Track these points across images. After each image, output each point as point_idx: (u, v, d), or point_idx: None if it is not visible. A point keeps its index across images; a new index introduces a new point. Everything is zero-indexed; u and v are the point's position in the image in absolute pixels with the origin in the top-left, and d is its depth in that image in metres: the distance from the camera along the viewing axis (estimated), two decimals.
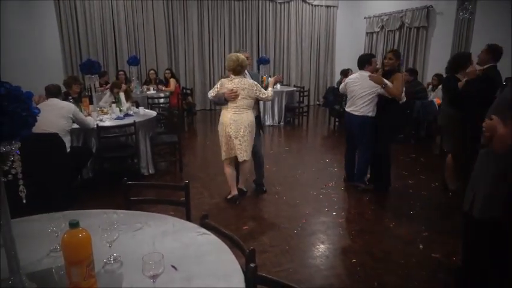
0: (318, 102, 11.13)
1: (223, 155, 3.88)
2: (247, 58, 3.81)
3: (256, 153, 4.13)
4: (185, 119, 8.17)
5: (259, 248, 3.10)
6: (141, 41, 9.20)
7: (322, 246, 3.17)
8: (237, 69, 3.65)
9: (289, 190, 4.41)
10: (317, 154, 6.15)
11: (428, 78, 7.90)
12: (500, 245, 1.83)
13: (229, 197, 4.01)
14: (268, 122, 8.23)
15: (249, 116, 3.73)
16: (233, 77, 3.68)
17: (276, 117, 8.29)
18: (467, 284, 2.19)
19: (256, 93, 3.72)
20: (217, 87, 3.77)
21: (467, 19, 7.68)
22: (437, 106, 6.13)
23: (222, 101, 3.69)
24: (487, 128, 1.81)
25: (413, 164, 5.43)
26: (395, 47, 9.34)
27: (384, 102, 4.08)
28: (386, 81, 3.95)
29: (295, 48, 10.90)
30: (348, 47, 11.03)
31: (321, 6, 10.98)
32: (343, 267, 2.85)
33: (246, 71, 3.85)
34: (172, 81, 7.83)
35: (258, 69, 9.53)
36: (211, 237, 1.64)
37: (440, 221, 3.62)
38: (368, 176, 4.49)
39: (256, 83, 3.77)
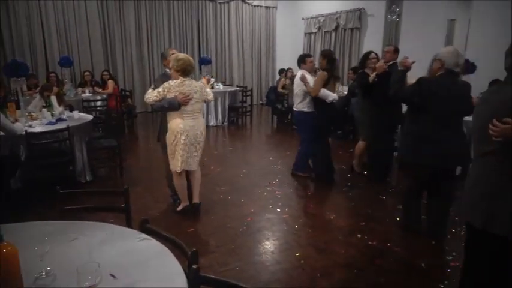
0: (261, 102, 11.29)
1: (180, 166, 3.45)
2: None
3: None
4: (125, 121, 7.87)
5: (205, 249, 3.09)
6: (73, 41, 8.68)
7: (267, 242, 3.23)
8: (187, 70, 3.32)
9: (234, 190, 4.43)
10: (261, 152, 6.24)
11: None
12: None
13: (179, 208, 3.71)
14: (212, 122, 8.20)
15: (203, 121, 3.58)
16: (183, 79, 3.32)
17: (220, 118, 8.28)
18: None
19: (204, 95, 3.50)
20: (163, 91, 3.30)
21: (395, 21, 8.24)
22: None
23: (176, 106, 3.27)
24: (499, 133, 1.61)
25: (352, 159, 5.70)
26: (331, 47, 9.76)
27: (319, 99, 4.35)
28: (308, 80, 4.32)
29: (237, 48, 10.96)
30: (288, 47, 11.31)
31: (261, 6, 11.14)
32: (288, 262, 2.93)
33: None
34: (110, 82, 7.50)
35: (200, 69, 9.46)
36: (153, 242, 1.60)
37: (375, 212, 3.85)
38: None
39: (202, 84, 3.59)
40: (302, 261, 2.92)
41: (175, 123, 3.37)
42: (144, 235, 1.66)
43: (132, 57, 9.45)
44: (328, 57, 4.41)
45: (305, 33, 10.79)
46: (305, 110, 4.50)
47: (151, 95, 3.35)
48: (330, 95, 4.33)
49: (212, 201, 4.09)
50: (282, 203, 4.08)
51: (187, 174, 3.66)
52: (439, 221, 3.21)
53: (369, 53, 4.62)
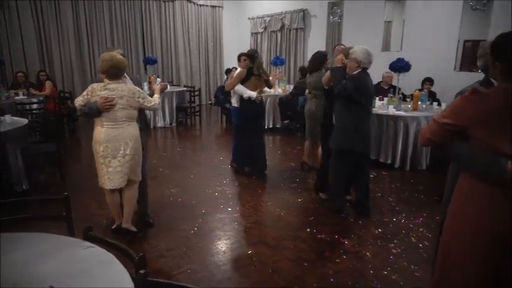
0: (209, 102, 11.22)
1: (105, 183, 3.04)
2: (123, 56, 3.11)
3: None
4: (65, 125, 7.44)
5: (155, 253, 3.02)
6: (3, 41, 8.03)
7: (219, 242, 3.23)
8: (112, 72, 2.90)
9: (185, 191, 4.37)
10: (211, 152, 6.20)
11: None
12: None
13: (113, 227, 3.31)
14: (160, 123, 8.00)
15: (131, 130, 3.02)
16: (107, 81, 2.93)
17: (168, 119, 8.11)
18: None
19: (139, 101, 3.02)
20: (86, 95, 2.95)
21: (337, 21, 8.58)
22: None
23: (95, 112, 2.89)
24: None
25: (300, 155, 5.85)
26: (277, 47, 9.96)
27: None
28: (234, 76, 4.68)
29: (183, 47, 10.78)
30: (235, 47, 11.31)
31: (206, 6, 11.05)
32: (240, 260, 2.95)
33: (125, 75, 3.16)
34: (48, 83, 7.04)
35: (145, 69, 9.20)
36: (97, 250, 1.54)
37: (323, 206, 3.99)
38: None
39: (138, 89, 3.09)
40: (254, 259, 2.95)
41: (97, 131, 3.01)
42: (87, 243, 1.59)
43: (71, 58, 8.94)
44: (249, 55, 4.66)
45: (252, 33, 10.90)
46: (236, 105, 4.85)
47: (78, 99, 3.02)
48: (245, 92, 4.56)
49: (162, 203, 4.00)
50: (233, 202, 4.09)
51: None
52: (364, 196, 3.78)
53: (325, 55, 4.64)
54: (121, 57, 2.96)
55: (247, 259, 2.95)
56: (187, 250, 3.08)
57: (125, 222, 3.23)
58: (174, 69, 10.75)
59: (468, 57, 7.09)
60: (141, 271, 1.31)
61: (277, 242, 3.22)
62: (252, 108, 4.63)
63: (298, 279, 2.69)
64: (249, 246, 3.15)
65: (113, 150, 2.96)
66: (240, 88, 4.59)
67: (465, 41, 7.17)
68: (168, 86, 3.56)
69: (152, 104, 3.11)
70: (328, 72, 3.63)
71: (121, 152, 2.98)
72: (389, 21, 8.00)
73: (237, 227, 3.53)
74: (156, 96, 3.24)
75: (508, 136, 1.54)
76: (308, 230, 3.43)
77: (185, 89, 8.81)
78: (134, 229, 3.27)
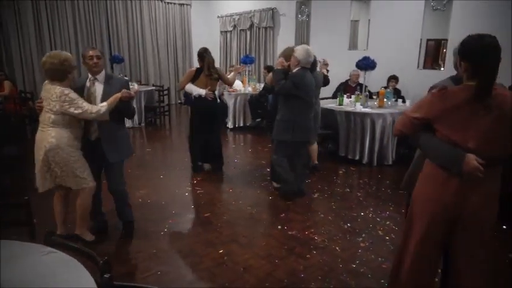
0: (179, 101, 11.07)
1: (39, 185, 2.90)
2: (91, 58, 2.87)
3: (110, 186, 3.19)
4: (27, 126, 7.13)
5: (124, 256, 2.96)
6: None
7: (190, 243, 3.20)
8: (49, 74, 2.75)
9: (154, 192, 4.30)
10: (181, 153, 6.12)
11: None
12: None
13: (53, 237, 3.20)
14: (128, 123, 7.82)
15: (50, 136, 2.76)
16: (46, 82, 2.81)
17: (136, 119, 7.93)
18: None
19: (63, 106, 2.73)
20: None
21: (305, 20, 8.68)
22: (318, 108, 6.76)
23: (36, 112, 2.93)
24: None
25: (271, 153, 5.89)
26: (247, 46, 9.96)
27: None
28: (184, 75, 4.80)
29: (151, 46, 10.57)
30: (204, 45, 11.20)
31: (174, 4, 10.89)
32: (212, 260, 2.93)
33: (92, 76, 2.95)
34: (6, 83, 6.71)
35: (112, 68, 8.97)
36: (59, 255, 1.49)
37: (294, 203, 4.04)
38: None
39: (69, 94, 2.75)
40: (225, 258, 2.95)
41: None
42: (49, 248, 1.53)
43: (32, 57, 8.54)
44: (199, 54, 4.76)
45: (221, 31, 10.85)
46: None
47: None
48: (195, 90, 4.63)
49: (131, 205, 3.91)
50: (204, 201, 4.07)
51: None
52: (300, 180, 4.21)
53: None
54: (66, 57, 2.77)
55: (219, 258, 2.94)
56: (158, 252, 3.03)
57: (77, 229, 3.10)
58: (142, 68, 10.53)
59: (431, 55, 7.38)
60: (106, 275, 1.28)
61: (248, 240, 3.23)
62: (204, 106, 4.65)
63: (269, 276, 2.71)
64: (221, 245, 3.14)
65: (35, 153, 2.87)
66: (189, 87, 4.66)
67: (428, 40, 7.44)
68: (134, 93, 3.20)
69: (80, 112, 2.76)
70: (271, 74, 4.09)
71: (40, 156, 2.81)
72: (356, 21, 8.18)
73: (208, 226, 3.51)
74: (102, 104, 2.86)
75: (466, 131, 1.65)
76: (279, 227, 3.46)
77: (154, 88, 8.65)
78: (88, 238, 3.10)
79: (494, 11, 5.71)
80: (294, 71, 3.78)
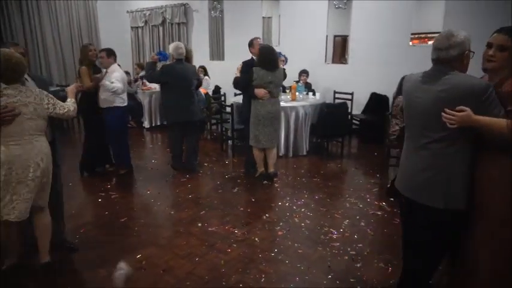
0: None
1: (5, 214, 2.36)
2: (23, 54, 2.55)
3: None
4: None
5: (32, 274, 2.69)
6: None
7: (104, 251, 3.02)
8: (9, 75, 2.32)
9: (64, 201, 3.97)
10: None
11: None
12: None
13: (3, 268, 2.67)
14: None
15: (41, 146, 2.44)
16: (4, 86, 2.32)
17: None
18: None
19: (48, 108, 2.47)
20: None
21: (219, 17, 8.69)
22: (203, 95, 6.73)
23: None
24: (457, 121, 1.71)
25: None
26: (160, 42, 9.68)
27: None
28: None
29: (52, 42, 9.64)
30: (113, 42, 10.56)
31: None
32: (129, 265, 2.81)
33: (26, 77, 2.60)
34: None
35: None
36: None
37: (214, 199, 4.05)
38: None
39: (46, 93, 2.52)
40: (143, 262, 2.85)
41: None
42: None
43: None
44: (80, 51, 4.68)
45: (132, 27, 10.37)
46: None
47: None
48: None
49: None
50: (119, 206, 3.87)
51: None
52: (193, 156, 4.92)
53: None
54: (20, 55, 2.41)
55: (136, 263, 2.83)
56: (68, 265, 2.81)
57: (45, 253, 2.67)
58: (44, 67, 9.59)
59: (338, 50, 7.91)
60: None
61: (168, 242, 3.16)
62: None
63: (190, 274, 2.69)
64: (138, 250, 3.02)
65: (19, 174, 2.34)
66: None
67: (335, 36, 7.96)
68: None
69: (66, 110, 2.57)
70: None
71: (30, 174, 2.37)
72: (269, 17, 8.41)
73: (124, 232, 3.35)
74: (70, 100, 2.69)
75: None
76: (199, 224, 3.45)
77: (58, 88, 7.93)
78: (48, 259, 2.70)
79: (389, 11, 6.31)
80: (167, 63, 4.72)
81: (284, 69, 4.67)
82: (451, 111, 1.73)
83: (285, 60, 6.37)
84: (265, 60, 4.13)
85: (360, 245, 3.08)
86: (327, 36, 7.22)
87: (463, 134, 1.75)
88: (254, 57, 4.40)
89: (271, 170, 4.47)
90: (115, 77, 4.32)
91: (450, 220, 1.88)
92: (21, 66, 2.36)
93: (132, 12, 10.19)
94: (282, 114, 5.34)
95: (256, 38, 4.68)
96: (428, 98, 1.82)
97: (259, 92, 4.15)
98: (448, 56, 1.81)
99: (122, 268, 2.81)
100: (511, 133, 1.66)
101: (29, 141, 2.38)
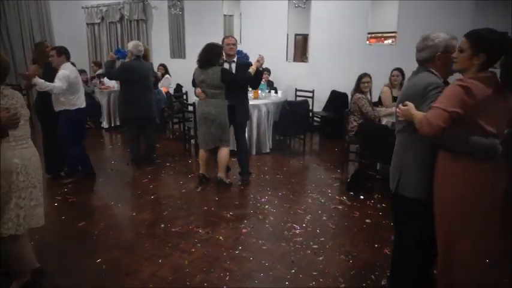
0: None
1: (22, 226, 2.30)
2: None
3: None
4: None
5: None
6: None
7: (63, 256, 2.90)
8: (4, 75, 2.23)
9: None
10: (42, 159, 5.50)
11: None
12: (423, 218, 2.04)
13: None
14: None
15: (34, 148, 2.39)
16: (3, 87, 2.21)
17: None
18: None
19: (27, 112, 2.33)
20: None
21: (179, 14, 8.56)
22: (164, 94, 6.61)
23: None
24: (401, 114, 1.95)
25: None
26: (118, 39, 9.40)
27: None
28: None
29: (1, 41, 9.11)
30: (68, 39, 10.12)
31: None
32: (89, 270, 2.71)
33: None
34: None
35: None
36: None
37: (178, 199, 3.99)
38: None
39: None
40: (104, 266, 2.76)
41: (4, 158, 2.17)
42: None
43: None
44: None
45: (87, 24, 9.98)
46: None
47: None
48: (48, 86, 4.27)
49: None
50: (77, 210, 3.73)
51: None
52: (150, 150, 5.17)
53: (221, 47, 4.16)
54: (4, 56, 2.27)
55: (97, 267, 2.74)
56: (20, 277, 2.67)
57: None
58: None
59: (299, 49, 8.03)
60: None
61: (130, 244, 3.09)
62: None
63: (154, 276, 2.64)
64: (99, 254, 2.92)
65: (34, 178, 2.31)
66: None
67: (296, 35, 8.07)
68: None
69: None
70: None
71: (40, 177, 2.37)
72: (230, 15, 8.39)
73: (83, 237, 3.23)
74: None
75: (495, 119, 1.80)
76: (162, 225, 3.39)
77: (9, 87, 7.49)
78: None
79: (347, 11, 6.49)
80: (127, 60, 4.84)
81: (224, 69, 4.05)
82: (400, 106, 1.98)
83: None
84: (199, 58, 3.99)
85: (322, 238, 3.17)
86: (287, 34, 7.32)
87: (415, 127, 1.91)
88: (224, 57, 4.21)
89: (218, 174, 4.25)
90: (58, 76, 3.92)
91: (405, 205, 2.08)
92: (6, 64, 2.26)
93: (87, 8, 9.81)
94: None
95: (228, 36, 4.41)
96: (401, 93, 2.12)
97: (196, 90, 4.15)
98: (421, 58, 2.02)
99: None
100: (419, 127, 1.84)
101: (31, 143, 2.35)
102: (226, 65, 4.18)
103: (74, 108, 4.11)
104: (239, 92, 4.22)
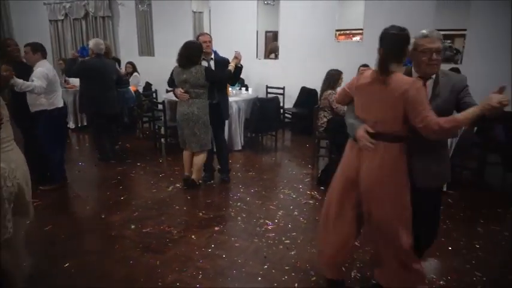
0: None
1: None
2: None
3: None
4: None
5: None
6: None
7: (26, 263, 2.80)
8: None
9: None
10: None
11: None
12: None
13: None
14: None
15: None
16: None
17: None
18: None
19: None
20: None
21: (147, 11, 8.39)
22: (133, 93, 6.47)
23: None
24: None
25: (122, 151, 5.57)
26: (83, 36, 9.13)
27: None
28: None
29: None
30: (30, 36, 9.68)
31: None
32: (57, 275, 2.64)
33: None
34: None
35: None
36: None
37: (148, 199, 3.94)
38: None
39: None
40: (73, 270, 2.69)
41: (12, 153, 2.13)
42: None
43: None
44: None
45: (50, 21, 9.61)
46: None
47: None
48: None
49: None
50: (43, 213, 3.60)
51: None
52: (111, 146, 5.23)
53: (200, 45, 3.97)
54: None
55: (66, 271, 2.67)
56: None
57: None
58: None
59: (269, 46, 8.07)
60: None
61: (100, 247, 3.03)
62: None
63: (125, 278, 2.60)
64: (67, 258, 2.84)
65: (25, 178, 2.25)
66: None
67: (266, 32, 8.10)
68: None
69: None
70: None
71: (28, 180, 2.31)
72: (200, 12, 8.32)
73: (50, 240, 3.13)
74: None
75: (367, 106, 2.09)
76: (133, 226, 3.34)
77: None
78: None
79: (315, 8, 6.58)
80: (87, 58, 4.95)
81: (208, 68, 3.95)
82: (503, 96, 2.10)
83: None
84: (180, 57, 3.81)
85: (294, 233, 3.21)
86: (257, 31, 7.33)
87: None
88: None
89: (192, 176, 4.13)
90: (35, 74, 3.72)
91: None
92: None
93: (49, 4, 9.44)
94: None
95: (203, 33, 4.25)
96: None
97: (176, 91, 3.90)
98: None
99: None
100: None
101: (15, 145, 2.23)
102: (204, 63, 4.01)
103: (52, 107, 3.89)
104: (221, 90, 4.17)
